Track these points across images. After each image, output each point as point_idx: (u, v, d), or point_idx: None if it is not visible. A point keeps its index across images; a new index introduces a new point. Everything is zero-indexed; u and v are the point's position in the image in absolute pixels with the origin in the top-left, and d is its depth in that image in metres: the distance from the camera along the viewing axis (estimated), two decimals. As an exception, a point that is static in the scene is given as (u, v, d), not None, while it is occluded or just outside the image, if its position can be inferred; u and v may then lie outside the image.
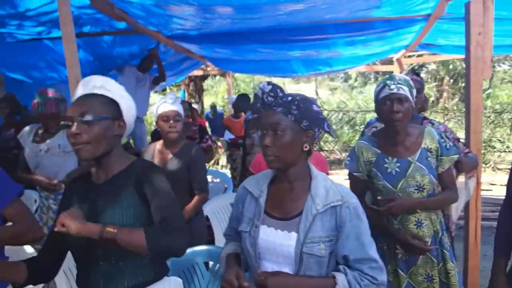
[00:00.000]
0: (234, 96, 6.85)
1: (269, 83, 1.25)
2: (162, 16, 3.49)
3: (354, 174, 1.93)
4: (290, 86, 16.50)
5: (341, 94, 15.14)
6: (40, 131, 2.74)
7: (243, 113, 5.55)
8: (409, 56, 7.21)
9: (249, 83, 18.53)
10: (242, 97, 5.60)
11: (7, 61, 4.41)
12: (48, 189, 2.62)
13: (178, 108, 2.42)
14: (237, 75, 12.43)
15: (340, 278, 1.19)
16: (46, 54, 4.31)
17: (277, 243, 1.25)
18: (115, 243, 1.14)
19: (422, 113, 2.58)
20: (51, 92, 2.73)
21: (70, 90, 2.79)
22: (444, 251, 1.82)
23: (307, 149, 1.26)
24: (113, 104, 1.29)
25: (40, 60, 4.36)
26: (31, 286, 1.37)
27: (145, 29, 3.86)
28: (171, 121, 2.36)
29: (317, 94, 12.95)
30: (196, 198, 2.42)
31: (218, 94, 16.24)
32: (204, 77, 9.45)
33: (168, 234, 1.20)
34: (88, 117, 1.20)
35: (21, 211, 1.48)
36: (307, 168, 1.31)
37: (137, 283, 1.26)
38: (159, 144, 2.45)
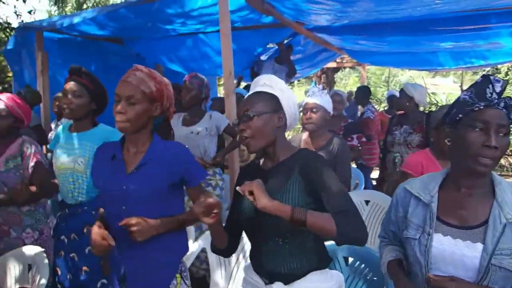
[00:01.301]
0: (392, 91, 6.41)
1: (498, 79, 1.14)
2: (306, 10, 3.54)
3: None
4: (425, 80, 15.12)
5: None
6: (187, 117, 3.05)
7: (360, 106, 5.26)
8: None
9: (380, 76, 17.61)
10: (361, 90, 5.20)
11: (168, 55, 5.05)
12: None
13: (318, 100, 2.40)
14: (368, 67, 11.93)
15: None
16: (201, 47, 4.80)
17: (457, 254, 1.15)
18: (304, 224, 1.19)
19: None
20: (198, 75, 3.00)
21: (224, 79, 3.05)
22: None
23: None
24: (274, 99, 1.38)
25: (196, 52, 4.87)
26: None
27: (290, 22, 3.97)
28: (308, 113, 2.41)
29: (462, 90, 11.57)
30: None
31: (347, 86, 15.86)
32: (336, 70, 9.33)
33: (353, 223, 1.20)
34: (249, 114, 1.34)
35: (201, 194, 1.49)
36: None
37: (300, 266, 1.33)
38: (305, 135, 2.50)
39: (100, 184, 1.54)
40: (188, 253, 2.22)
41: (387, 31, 4.09)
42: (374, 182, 5.07)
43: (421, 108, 3.72)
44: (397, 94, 5.65)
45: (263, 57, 5.31)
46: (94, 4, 12.65)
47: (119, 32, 4.28)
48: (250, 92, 1.43)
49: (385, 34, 4.21)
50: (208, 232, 2.39)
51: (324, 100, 2.44)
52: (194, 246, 2.24)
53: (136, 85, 1.40)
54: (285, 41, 4.90)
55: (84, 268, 1.90)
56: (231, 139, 3.10)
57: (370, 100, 5.28)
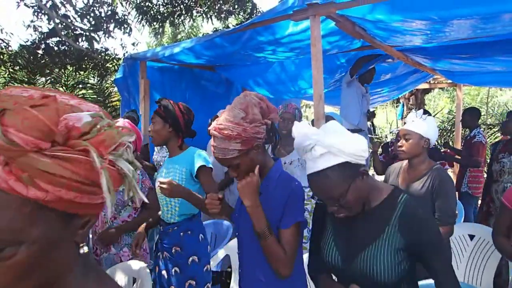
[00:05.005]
0: None
1: None
2: (401, 30, 3.41)
3: None
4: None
5: None
6: (282, 147, 3.05)
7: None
8: None
9: (474, 96, 16.24)
10: (470, 112, 4.72)
11: (255, 79, 5.23)
12: None
13: (411, 126, 2.26)
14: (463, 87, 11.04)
15: None
16: (287, 71, 4.89)
17: None
18: None
19: None
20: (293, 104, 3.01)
21: (314, 103, 3.05)
22: None
23: None
24: (344, 168, 1.18)
25: (282, 76, 4.97)
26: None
27: (381, 44, 3.86)
28: (401, 140, 2.29)
29: None
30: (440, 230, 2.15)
31: (437, 108, 14.85)
32: (427, 91, 8.78)
33: None
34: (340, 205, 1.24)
35: (289, 239, 1.41)
36: None
37: None
38: (405, 164, 2.36)
39: None
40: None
41: (485, 50, 3.74)
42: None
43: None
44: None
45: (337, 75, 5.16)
46: (187, 34, 13.72)
47: (213, 60, 4.55)
48: (310, 168, 1.20)
49: (483, 53, 3.84)
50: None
51: (420, 126, 2.26)
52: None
53: (224, 158, 1.39)
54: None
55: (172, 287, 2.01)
56: None
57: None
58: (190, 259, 2.01)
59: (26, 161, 0.47)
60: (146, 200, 0.58)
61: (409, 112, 4.76)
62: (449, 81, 6.17)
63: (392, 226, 1.19)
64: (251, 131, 1.36)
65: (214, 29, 8.95)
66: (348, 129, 4.36)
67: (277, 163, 1.50)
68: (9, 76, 8.45)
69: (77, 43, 6.86)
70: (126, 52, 8.92)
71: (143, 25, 8.97)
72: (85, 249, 0.58)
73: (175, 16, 8.55)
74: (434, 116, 10.13)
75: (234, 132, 1.34)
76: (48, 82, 9.14)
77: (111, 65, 8.58)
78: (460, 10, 2.71)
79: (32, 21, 7.51)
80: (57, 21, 6.20)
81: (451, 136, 8.74)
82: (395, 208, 1.21)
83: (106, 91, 10.19)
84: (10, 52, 7.73)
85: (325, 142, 1.15)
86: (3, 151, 0.47)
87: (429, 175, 2.19)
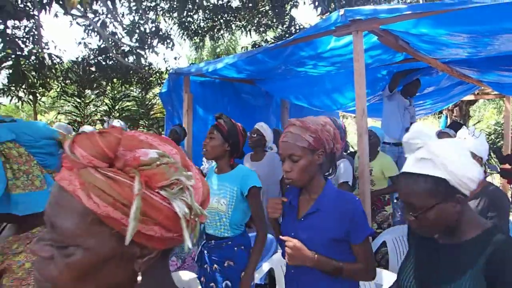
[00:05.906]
0: None
1: None
2: (446, 43, 3.35)
3: None
4: None
5: None
6: None
7: None
8: None
9: (524, 106, 15.42)
10: None
11: (294, 92, 5.27)
12: None
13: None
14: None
15: None
16: (326, 85, 4.90)
17: None
18: None
19: None
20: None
21: (357, 118, 3.04)
22: None
23: None
24: (441, 184, 1.08)
25: (320, 90, 4.98)
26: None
27: (424, 57, 3.80)
28: None
29: None
30: None
31: (482, 119, 14.21)
32: (472, 102, 8.44)
33: None
34: (415, 214, 1.17)
35: (365, 251, 1.50)
36: None
37: None
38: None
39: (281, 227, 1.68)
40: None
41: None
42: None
43: None
44: None
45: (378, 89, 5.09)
46: (226, 47, 14.04)
47: (254, 74, 4.64)
48: (406, 167, 1.14)
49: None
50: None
51: (473, 144, 2.15)
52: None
53: (293, 143, 1.47)
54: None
55: None
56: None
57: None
58: (242, 273, 2.07)
59: (84, 173, 0.57)
60: (190, 246, 0.60)
61: (453, 124, 4.54)
62: (496, 92, 5.93)
63: (477, 268, 1.07)
64: (325, 135, 1.48)
65: (253, 42, 9.10)
66: (390, 143, 4.24)
67: (329, 182, 1.57)
68: (61, 90, 9.02)
69: (125, 59, 7.22)
70: (169, 66, 9.26)
71: (184, 40, 9.28)
72: (139, 279, 0.62)
73: (215, 31, 8.79)
74: (476, 127, 9.70)
75: (313, 127, 1.47)
76: (96, 96, 9.66)
77: (154, 79, 8.94)
78: (508, 23, 2.63)
79: (83, 38, 8.01)
80: (107, 38, 6.58)
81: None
82: (486, 248, 1.08)
83: (148, 103, 10.61)
84: (62, 68, 8.26)
85: (433, 149, 1.08)
86: (71, 161, 0.57)
87: (483, 195, 2.10)
